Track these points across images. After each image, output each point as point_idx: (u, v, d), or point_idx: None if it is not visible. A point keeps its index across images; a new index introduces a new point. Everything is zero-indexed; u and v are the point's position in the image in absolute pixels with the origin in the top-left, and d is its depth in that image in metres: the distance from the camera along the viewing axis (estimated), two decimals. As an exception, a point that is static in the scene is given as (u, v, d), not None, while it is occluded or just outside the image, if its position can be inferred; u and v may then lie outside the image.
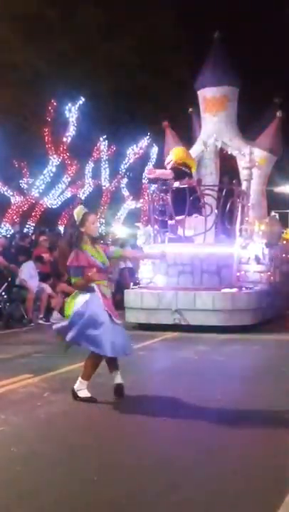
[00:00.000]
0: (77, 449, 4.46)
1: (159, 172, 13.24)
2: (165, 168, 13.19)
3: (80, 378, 5.82)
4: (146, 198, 20.87)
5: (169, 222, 12.70)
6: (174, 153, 13.12)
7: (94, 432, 4.92)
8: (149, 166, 26.24)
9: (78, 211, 5.92)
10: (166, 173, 12.89)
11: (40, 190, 21.14)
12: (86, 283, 5.74)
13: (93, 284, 5.76)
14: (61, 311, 13.29)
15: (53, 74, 20.74)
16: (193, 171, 13.41)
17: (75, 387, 5.80)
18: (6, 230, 18.85)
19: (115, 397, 5.79)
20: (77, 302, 5.78)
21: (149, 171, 12.80)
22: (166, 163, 13.26)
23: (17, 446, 4.52)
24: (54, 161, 21.26)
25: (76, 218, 5.88)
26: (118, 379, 5.88)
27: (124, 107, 24.74)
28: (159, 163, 20.90)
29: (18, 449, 4.47)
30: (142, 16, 23.75)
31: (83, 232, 5.84)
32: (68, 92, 21.30)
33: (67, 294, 13.54)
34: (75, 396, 5.79)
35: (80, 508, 3.43)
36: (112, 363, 5.88)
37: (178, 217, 12.51)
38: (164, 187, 12.79)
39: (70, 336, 5.70)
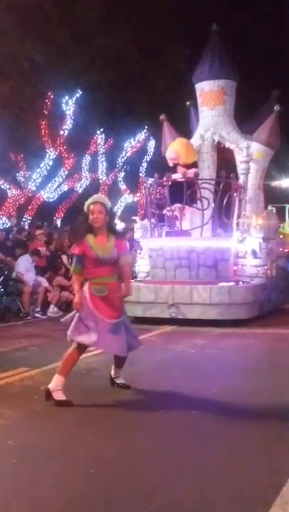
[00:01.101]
0: (74, 442, 4.46)
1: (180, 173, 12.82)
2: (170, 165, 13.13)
3: (56, 375, 5.57)
4: (143, 191, 20.87)
5: (167, 212, 12.65)
6: (183, 155, 12.96)
7: (90, 424, 4.92)
8: (146, 159, 26.26)
9: (88, 201, 5.83)
10: (189, 172, 12.76)
11: (37, 184, 21.09)
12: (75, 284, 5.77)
13: (86, 283, 5.71)
14: (58, 305, 13.34)
15: (50, 66, 20.64)
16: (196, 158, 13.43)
17: (51, 386, 5.52)
18: (3, 224, 18.82)
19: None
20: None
21: (167, 178, 12.55)
22: (171, 159, 13.07)
23: (14, 439, 4.53)
24: (51, 154, 21.21)
25: (86, 209, 5.81)
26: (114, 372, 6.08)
27: (121, 100, 24.67)
28: (157, 157, 20.90)
29: (15, 442, 4.47)
30: (141, 8, 23.62)
31: (88, 222, 5.74)
32: (65, 85, 21.22)
33: (63, 288, 13.65)
34: (48, 396, 5.49)
35: (77, 501, 3.44)
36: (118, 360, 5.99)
37: (177, 205, 12.43)
38: (161, 180, 12.77)
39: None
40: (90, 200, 5.80)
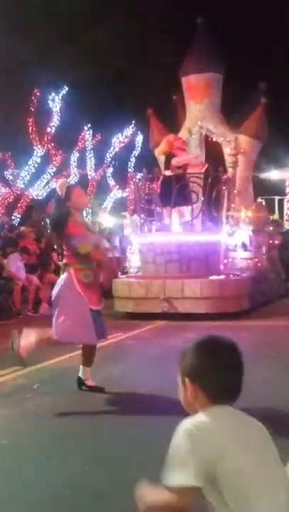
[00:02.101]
0: (68, 440, 4.45)
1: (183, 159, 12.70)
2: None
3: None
4: (132, 186, 20.85)
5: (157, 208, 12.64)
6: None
7: (84, 422, 4.92)
8: (134, 154, 26.22)
9: (61, 184, 5.53)
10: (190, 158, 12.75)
11: (26, 181, 21.02)
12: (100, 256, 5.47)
13: (70, 269, 5.40)
14: (49, 303, 13.29)
15: (36, 62, 20.56)
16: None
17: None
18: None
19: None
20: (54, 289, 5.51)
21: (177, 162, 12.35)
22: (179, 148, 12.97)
23: (7, 438, 4.51)
24: (39, 151, 21.13)
25: (60, 192, 5.44)
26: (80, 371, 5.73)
27: (108, 95, 24.61)
28: (145, 152, 20.87)
29: (8, 440, 4.46)
30: (128, 2, 23.56)
31: (70, 207, 5.40)
32: (52, 81, 21.14)
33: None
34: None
35: (71, 500, 3.43)
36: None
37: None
38: (150, 175, 12.75)
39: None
40: (66, 184, 5.55)
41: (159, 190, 12.39)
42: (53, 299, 5.55)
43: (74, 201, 5.42)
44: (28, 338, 5.46)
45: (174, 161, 12.35)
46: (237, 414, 1.85)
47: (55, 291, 5.50)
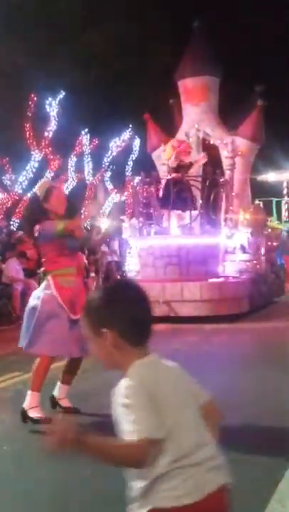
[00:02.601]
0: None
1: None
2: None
3: (29, 391, 4.92)
4: (131, 190, 20.85)
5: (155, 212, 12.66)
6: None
7: (87, 427, 4.90)
8: (132, 158, 26.23)
9: (41, 184, 5.10)
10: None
11: (24, 187, 21.02)
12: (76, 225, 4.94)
13: (48, 277, 4.94)
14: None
15: (33, 66, 20.57)
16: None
17: (25, 405, 4.87)
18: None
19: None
20: (32, 296, 4.99)
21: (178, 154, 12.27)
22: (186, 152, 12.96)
23: (9, 444, 4.50)
24: (36, 156, 21.15)
25: (38, 192, 5.02)
26: (56, 390, 5.16)
27: (105, 99, 24.63)
28: (142, 155, 20.88)
29: (10, 447, 4.45)
30: (124, 6, 23.59)
31: (48, 210, 4.95)
32: (49, 86, 21.15)
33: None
34: (24, 417, 4.84)
35: (74, 506, 3.42)
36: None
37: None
38: (148, 179, 12.77)
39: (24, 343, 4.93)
40: (46, 184, 5.06)
41: (161, 193, 12.41)
42: (28, 309, 4.98)
43: (52, 204, 4.94)
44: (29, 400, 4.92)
45: (171, 163, 12.47)
46: (159, 361, 1.95)
47: (32, 303, 4.95)
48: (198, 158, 12.89)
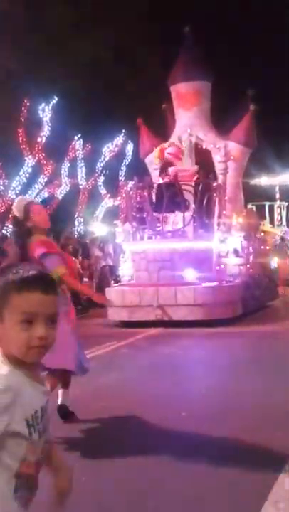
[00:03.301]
0: (65, 449, 4.45)
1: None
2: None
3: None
4: (124, 195, 20.89)
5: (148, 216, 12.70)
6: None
7: (81, 430, 4.91)
8: (125, 163, 26.28)
9: (17, 204, 4.93)
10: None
11: (17, 192, 21.02)
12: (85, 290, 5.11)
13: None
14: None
15: (26, 73, 20.62)
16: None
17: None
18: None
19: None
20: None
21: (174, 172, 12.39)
22: (174, 155, 12.99)
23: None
24: (29, 161, 21.17)
25: (17, 213, 4.87)
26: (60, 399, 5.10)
27: (98, 104, 24.68)
28: (135, 161, 20.92)
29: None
30: (116, 12, 23.68)
31: (32, 227, 4.82)
32: (41, 91, 21.20)
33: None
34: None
35: (67, 509, 3.43)
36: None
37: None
38: (141, 184, 12.80)
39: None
40: (22, 202, 4.93)
41: (154, 198, 12.45)
42: None
43: (35, 220, 4.83)
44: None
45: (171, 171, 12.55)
46: None
47: None
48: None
